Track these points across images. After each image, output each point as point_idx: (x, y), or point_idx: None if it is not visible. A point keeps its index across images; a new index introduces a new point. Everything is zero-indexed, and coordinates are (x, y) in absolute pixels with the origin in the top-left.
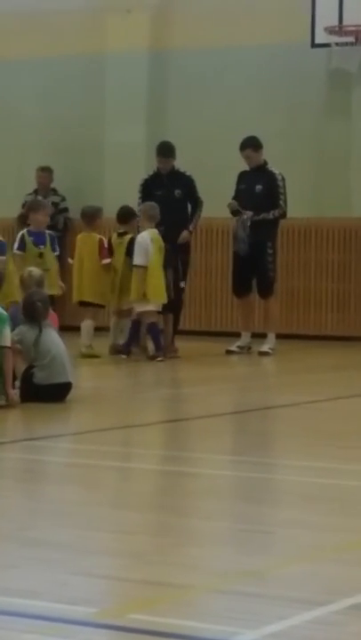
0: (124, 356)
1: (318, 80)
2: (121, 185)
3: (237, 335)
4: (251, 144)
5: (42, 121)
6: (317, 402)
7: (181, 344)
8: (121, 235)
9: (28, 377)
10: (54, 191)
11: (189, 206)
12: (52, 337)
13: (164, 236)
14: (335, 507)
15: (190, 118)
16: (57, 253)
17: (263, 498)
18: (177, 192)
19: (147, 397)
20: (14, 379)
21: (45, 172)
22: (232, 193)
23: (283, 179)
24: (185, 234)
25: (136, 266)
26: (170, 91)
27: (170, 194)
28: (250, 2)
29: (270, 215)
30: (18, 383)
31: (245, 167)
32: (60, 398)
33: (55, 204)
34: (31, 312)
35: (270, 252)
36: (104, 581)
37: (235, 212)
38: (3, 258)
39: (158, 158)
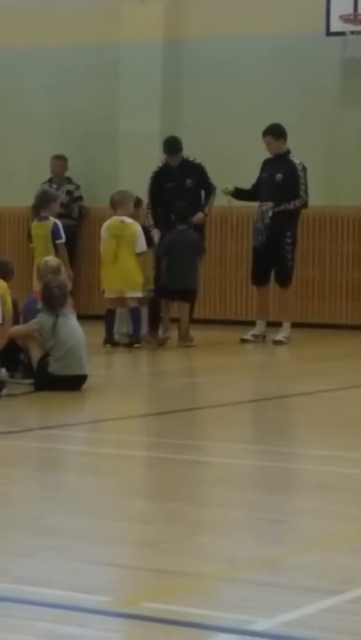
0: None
1: (333, 69)
2: (135, 173)
3: (252, 324)
4: (271, 131)
5: (56, 110)
6: (332, 390)
7: (196, 333)
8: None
9: (43, 365)
10: (69, 180)
11: (203, 194)
12: (71, 327)
13: (175, 223)
14: (350, 496)
15: (204, 107)
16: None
17: (278, 486)
18: (188, 182)
19: (162, 386)
20: (31, 368)
21: (60, 160)
22: (247, 182)
23: (303, 168)
24: (200, 215)
25: None
26: (184, 80)
27: (182, 184)
28: None
29: (291, 206)
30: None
31: (269, 155)
32: (74, 389)
33: (70, 193)
34: (49, 299)
35: (289, 241)
36: (118, 570)
37: (235, 195)
38: (62, 241)
39: (167, 155)
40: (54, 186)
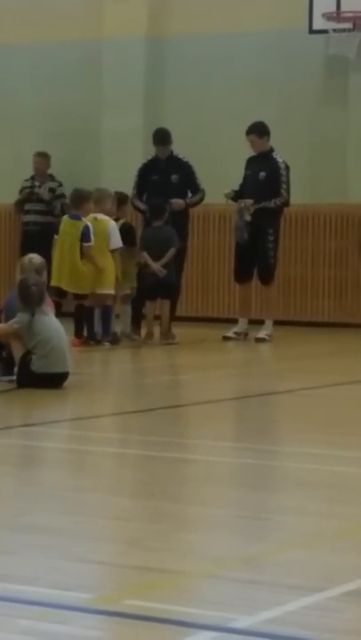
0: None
1: (316, 66)
2: (118, 171)
3: (235, 321)
4: (255, 130)
5: (39, 107)
6: (314, 388)
7: (178, 330)
8: (114, 220)
9: (25, 363)
10: (51, 177)
11: (189, 193)
12: (52, 324)
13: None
14: (333, 493)
15: (187, 105)
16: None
17: (260, 484)
18: (174, 177)
19: (144, 384)
20: (12, 365)
21: (42, 157)
22: (230, 179)
23: (286, 167)
24: (180, 201)
25: None
26: (167, 77)
27: (167, 179)
28: None
29: (271, 204)
30: (15, 369)
31: (253, 153)
32: (56, 386)
33: (52, 190)
34: (26, 297)
35: (271, 238)
36: (100, 567)
37: (235, 199)
38: (90, 244)
39: (155, 146)
40: (37, 183)
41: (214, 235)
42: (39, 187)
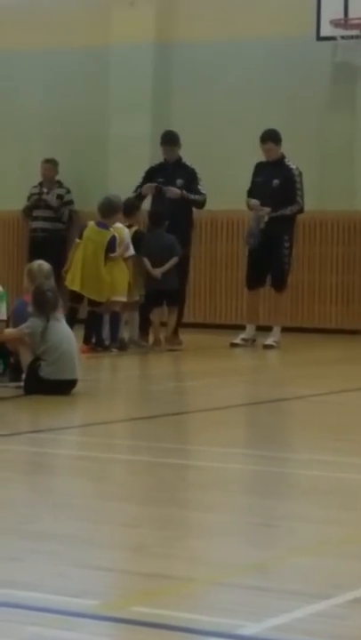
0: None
1: (323, 73)
2: (125, 177)
3: (242, 328)
4: (273, 137)
5: (47, 113)
6: (321, 395)
7: (186, 337)
8: (127, 227)
9: (33, 370)
10: (59, 183)
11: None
12: (63, 331)
13: (169, 225)
14: (339, 500)
15: (194, 111)
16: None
17: (267, 491)
18: (179, 182)
19: (152, 390)
20: (20, 371)
21: (50, 164)
22: (236, 184)
23: (300, 173)
24: (176, 190)
25: None
26: (174, 83)
27: (171, 182)
28: None
29: (288, 211)
30: (23, 375)
31: (260, 158)
32: (64, 393)
33: (60, 197)
34: (42, 303)
35: (287, 245)
36: (107, 574)
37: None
38: (116, 254)
39: (163, 147)
40: (44, 190)
41: (221, 241)
42: (47, 193)
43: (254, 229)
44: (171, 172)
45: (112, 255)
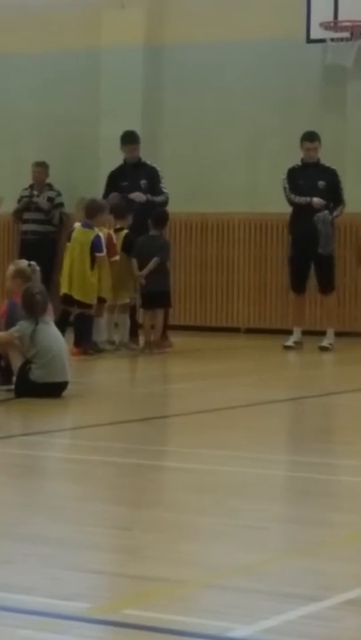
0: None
1: (313, 75)
2: None
3: (234, 330)
4: (318, 137)
5: (37, 116)
6: (313, 397)
7: (175, 339)
8: (117, 230)
9: (24, 373)
10: (50, 186)
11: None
12: (53, 334)
13: (132, 227)
14: (329, 502)
15: (185, 113)
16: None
17: (257, 493)
18: (143, 182)
19: (143, 393)
20: (10, 374)
21: (41, 167)
22: (227, 187)
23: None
24: (141, 195)
25: None
26: (165, 86)
27: (136, 184)
28: None
29: (338, 212)
30: (14, 378)
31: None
32: (55, 396)
33: (50, 199)
34: (31, 305)
35: (334, 247)
36: (98, 577)
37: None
38: (102, 254)
39: (126, 147)
40: (35, 192)
41: (212, 243)
42: (38, 196)
43: (329, 233)
44: (132, 174)
45: (99, 255)
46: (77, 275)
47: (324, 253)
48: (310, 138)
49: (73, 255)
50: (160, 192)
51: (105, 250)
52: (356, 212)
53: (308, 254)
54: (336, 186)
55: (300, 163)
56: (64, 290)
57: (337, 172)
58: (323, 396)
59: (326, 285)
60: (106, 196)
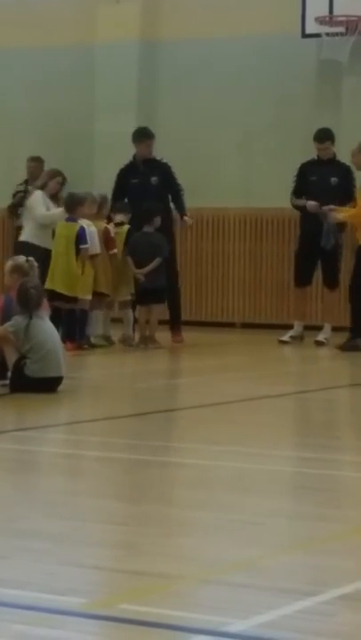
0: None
1: (309, 70)
2: (111, 174)
3: (229, 325)
4: (331, 137)
5: (32, 111)
6: (310, 392)
7: (167, 335)
8: (118, 225)
9: (19, 368)
10: None
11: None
12: (47, 329)
13: (140, 224)
14: (325, 497)
15: (180, 109)
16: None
17: (253, 488)
18: (153, 179)
19: (138, 387)
20: (5, 369)
21: (36, 162)
22: (222, 182)
23: (353, 170)
24: (187, 219)
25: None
26: (160, 81)
27: (146, 181)
28: None
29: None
30: (9, 373)
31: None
32: (50, 391)
33: None
34: (25, 300)
35: (341, 242)
36: (94, 572)
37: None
38: (87, 246)
39: (143, 143)
40: (30, 187)
41: (207, 238)
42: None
43: (331, 228)
44: (143, 171)
45: (83, 247)
46: (60, 268)
47: (326, 247)
48: (319, 139)
49: (58, 250)
50: (179, 188)
51: (98, 244)
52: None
53: (312, 249)
54: (349, 182)
55: (315, 157)
56: (47, 286)
57: (351, 169)
58: (320, 391)
59: (331, 280)
60: (115, 194)
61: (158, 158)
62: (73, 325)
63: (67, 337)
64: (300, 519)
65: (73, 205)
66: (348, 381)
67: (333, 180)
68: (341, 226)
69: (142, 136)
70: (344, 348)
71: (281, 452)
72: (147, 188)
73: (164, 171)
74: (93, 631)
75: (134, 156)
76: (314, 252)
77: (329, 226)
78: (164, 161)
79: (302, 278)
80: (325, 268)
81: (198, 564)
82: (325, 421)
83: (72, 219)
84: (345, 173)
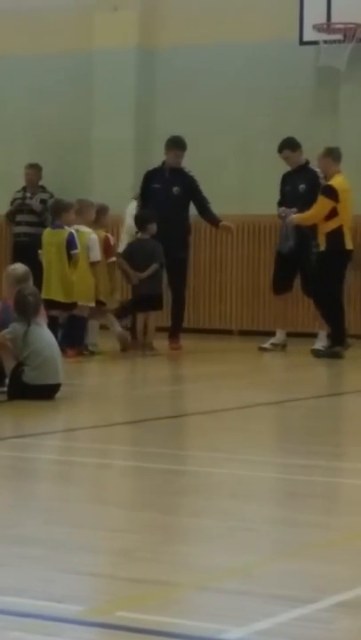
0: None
1: (306, 78)
2: (109, 181)
3: (224, 333)
4: (288, 145)
5: (30, 118)
6: (308, 399)
7: (165, 342)
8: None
9: (17, 375)
10: (42, 188)
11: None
12: (45, 336)
13: (158, 233)
14: (322, 504)
15: (178, 116)
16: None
17: (251, 495)
18: (175, 189)
19: (136, 394)
20: (3, 376)
21: (34, 168)
22: (220, 189)
23: (324, 177)
24: (226, 224)
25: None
26: (158, 88)
27: (168, 189)
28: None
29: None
30: (6, 380)
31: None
32: (48, 398)
33: (43, 201)
34: (23, 307)
35: (315, 249)
36: (92, 579)
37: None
38: (77, 251)
39: (173, 152)
40: (28, 194)
41: (205, 246)
42: (30, 198)
43: (287, 232)
44: (168, 179)
45: (74, 252)
46: (55, 276)
47: (282, 251)
48: (278, 150)
49: (50, 258)
50: (204, 198)
51: (99, 252)
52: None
53: (283, 256)
54: (316, 189)
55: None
56: (43, 295)
57: (318, 175)
58: (316, 399)
59: (309, 287)
60: (141, 194)
61: (186, 170)
62: (73, 332)
63: (67, 344)
64: (296, 526)
65: (58, 212)
66: (345, 389)
67: (302, 187)
68: (313, 231)
69: (172, 145)
70: (318, 354)
71: (278, 459)
72: (168, 195)
73: (188, 183)
74: (90, 638)
75: (163, 162)
76: (291, 259)
77: (287, 229)
78: (191, 173)
79: (280, 286)
80: (304, 276)
81: (195, 571)
82: (322, 429)
83: (58, 225)
84: (312, 180)
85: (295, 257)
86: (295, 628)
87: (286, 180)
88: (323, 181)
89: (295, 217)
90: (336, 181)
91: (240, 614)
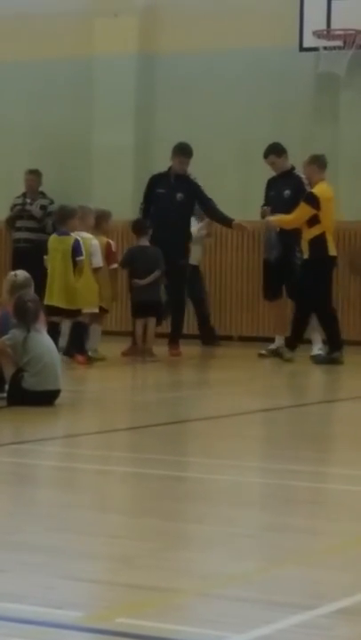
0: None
1: (306, 84)
2: (109, 187)
3: (227, 338)
4: (273, 150)
5: (30, 124)
6: (306, 405)
7: (165, 348)
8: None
9: (17, 381)
10: (42, 194)
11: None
12: (45, 342)
13: (159, 239)
14: (322, 510)
15: (178, 121)
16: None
17: (251, 502)
18: (179, 195)
19: (134, 401)
20: (3, 382)
21: (34, 174)
22: (220, 195)
23: (309, 184)
24: (239, 223)
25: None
26: (158, 94)
27: (172, 195)
28: (238, 5)
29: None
30: (6, 386)
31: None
32: (48, 404)
33: (43, 207)
34: (23, 313)
35: (299, 255)
36: (91, 585)
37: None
38: (82, 258)
39: (178, 158)
40: (28, 200)
41: (205, 251)
42: (30, 204)
43: (273, 239)
44: (172, 185)
45: (79, 259)
46: (59, 283)
47: (269, 258)
48: (264, 155)
49: (55, 264)
50: (208, 198)
51: (101, 258)
52: (349, 220)
53: (271, 264)
54: (301, 195)
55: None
56: (45, 301)
57: (303, 181)
58: (315, 404)
59: (292, 292)
60: (144, 198)
61: (192, 177)
62: (80, 338)
63: (76, 350)
64: (296, 532)
65: (63, 218)
66: (344, 395)
67: (287, 192)
68: (296, 239)
69: (178, 151)
70: (317, 360)
71: (277, 465)
72: (172, 201)
73: (192, 190)
74: None
75: (169, 168)
76: (278, 266)
77: (271, 236)
78: (196, 180)
79: (270, 292)
80: (288, 282)
81: (195, 577)
82: (321, 435)
83: (64, 232)
84: (297, 186)
85: (282, 264)
86: (295, 634)
87: (271, 185)
88: (308, 187)
89: (274, 218)
90: (319, 189)
91: (240, 621)
